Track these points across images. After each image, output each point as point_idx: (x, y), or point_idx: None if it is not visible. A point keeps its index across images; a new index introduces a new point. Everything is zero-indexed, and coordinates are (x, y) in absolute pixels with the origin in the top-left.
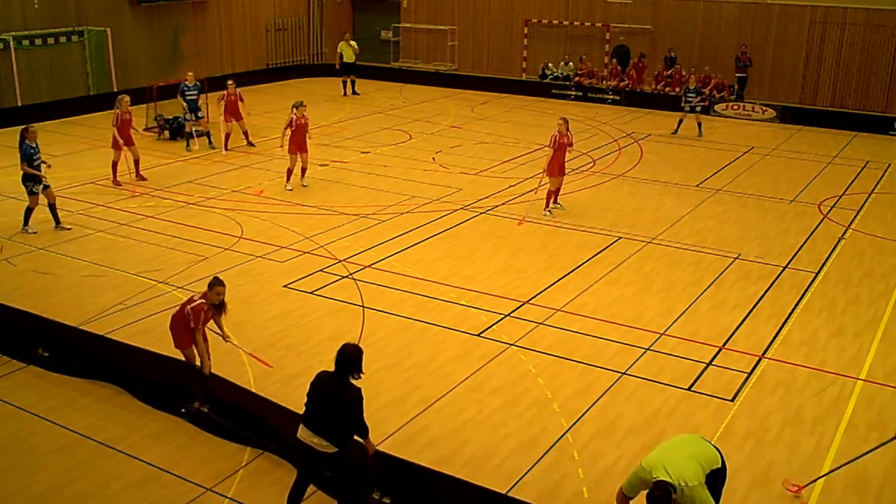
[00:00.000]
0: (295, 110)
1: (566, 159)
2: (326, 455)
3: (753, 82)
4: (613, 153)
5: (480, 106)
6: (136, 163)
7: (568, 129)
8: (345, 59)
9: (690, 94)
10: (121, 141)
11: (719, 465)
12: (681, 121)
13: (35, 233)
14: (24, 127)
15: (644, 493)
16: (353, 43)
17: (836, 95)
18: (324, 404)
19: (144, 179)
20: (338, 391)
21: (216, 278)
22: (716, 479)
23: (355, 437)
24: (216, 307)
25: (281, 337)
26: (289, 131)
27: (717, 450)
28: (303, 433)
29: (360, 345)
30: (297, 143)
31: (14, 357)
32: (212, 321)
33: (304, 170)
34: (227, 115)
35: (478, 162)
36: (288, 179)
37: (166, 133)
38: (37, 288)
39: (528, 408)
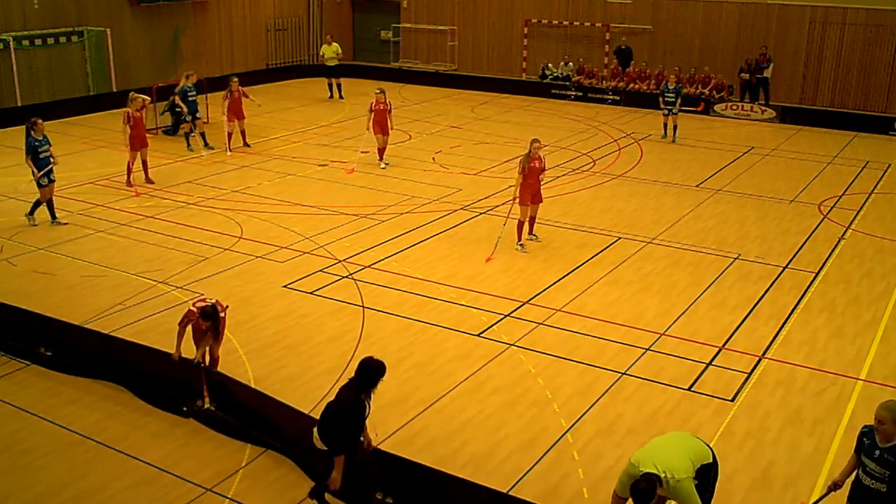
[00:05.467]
0: (375, 95)
1: (541, 183)
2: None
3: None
4: (613, 153)
5: (480, 106)
6: (144, 164)
7: (539, 153)
8: (325, 62)
9: (669, 95)
10: (126, 142)
11: (710, 461)
12: (666, 125)
13: (37, 225)
14: (31, 120)
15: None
16: (334, 45)
17: (836, 95)
18: (329, 407)
19: (152, 182)
20: (342, 397)
21: (204, 311)
22: (707, 475)
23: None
24: (210, 331)
25: (281, 337)
26: (371, 115)
27: (708, 446)
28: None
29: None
30: (379, 124)
31: (15, 356)
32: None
33: (381, 150)
34: (230, 113)
35: (478, 162)
36: (380, 157)
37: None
38: (37, 288)
39: (528, 408)
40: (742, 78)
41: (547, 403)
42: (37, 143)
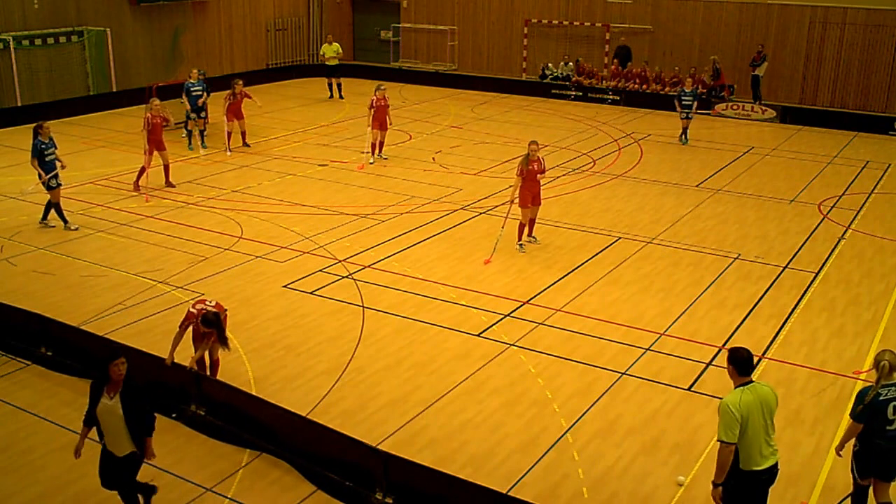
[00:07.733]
0: (376, 92)
1: (542, 185)
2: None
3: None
4: (613, 153)
5: (480, 106)
6: (166, 168)
7: (538, 154)
8: (326, 61)
9: (686, 98)
10: (146, 147)
11: (761, 468)
12: (685, 129)
13: (53, 227)
14: (37, 123)
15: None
16: (335, 45)
17: (836, 95)
18: (135, 406)
19: (173, 186)
20: (138, 386)
21: (206, 318)
22: (752, 484)
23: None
24: (210, 337)
25: (281, 337)
26: (371, 111)
27: (776, 461)
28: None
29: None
30: (379, 120)
31: (15, 356)
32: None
33: (381, 144)
34: (230, 114)
35: (478, 162)
36: (372, 153)
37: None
38: (37, 288)
39: (528, 408)
40: (704, 78)
41: (547, 403)
42: (43, 146)
